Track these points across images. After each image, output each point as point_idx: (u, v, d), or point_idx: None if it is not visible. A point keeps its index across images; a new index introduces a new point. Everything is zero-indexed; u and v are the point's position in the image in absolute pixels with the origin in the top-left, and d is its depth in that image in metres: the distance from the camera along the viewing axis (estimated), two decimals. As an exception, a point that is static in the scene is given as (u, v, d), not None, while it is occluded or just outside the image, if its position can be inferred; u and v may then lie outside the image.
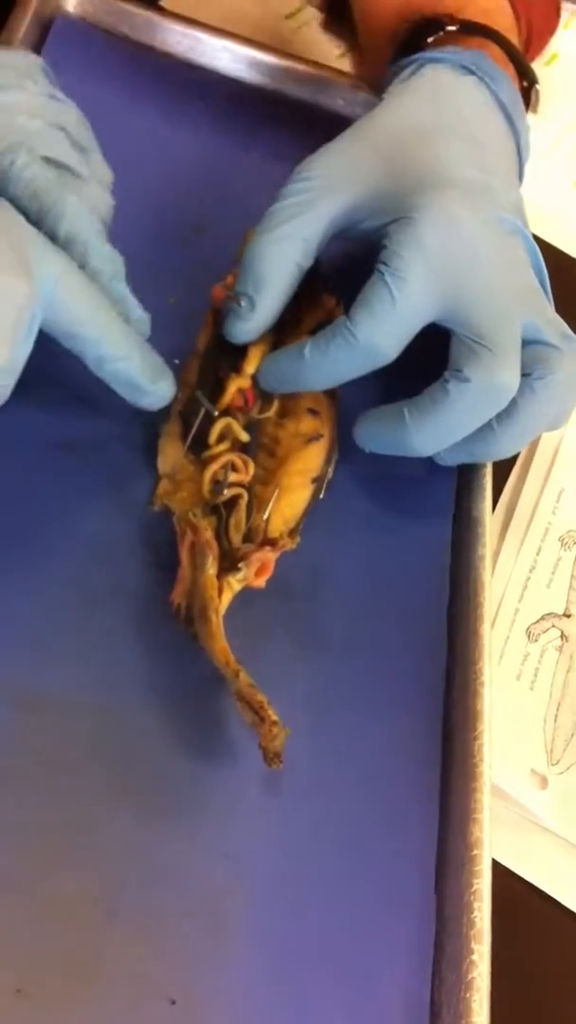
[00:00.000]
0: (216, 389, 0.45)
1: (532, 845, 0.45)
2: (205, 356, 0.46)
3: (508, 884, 0.42)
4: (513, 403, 0.45)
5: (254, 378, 0.45)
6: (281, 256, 0.44)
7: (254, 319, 0.45)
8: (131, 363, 0.42)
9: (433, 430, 0.45)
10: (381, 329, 0.43)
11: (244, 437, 0.44)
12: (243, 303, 0.44)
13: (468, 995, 0.35)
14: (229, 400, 0.45)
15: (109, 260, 0.42)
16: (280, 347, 0.46)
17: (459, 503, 0.50)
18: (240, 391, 0.45)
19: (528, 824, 0.45)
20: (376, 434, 0.46)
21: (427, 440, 0.45)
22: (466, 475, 0.50)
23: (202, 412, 0.44)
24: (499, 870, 0.43)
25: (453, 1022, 0.35)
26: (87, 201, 0.42)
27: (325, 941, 0.37)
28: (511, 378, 0.44)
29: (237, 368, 0.45)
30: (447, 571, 0.47)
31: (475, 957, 0.36)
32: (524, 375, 0.45)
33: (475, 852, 0.39)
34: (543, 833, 0.45)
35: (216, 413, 0.44)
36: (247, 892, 0.37)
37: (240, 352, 0.45)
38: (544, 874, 0.44)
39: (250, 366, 0.45)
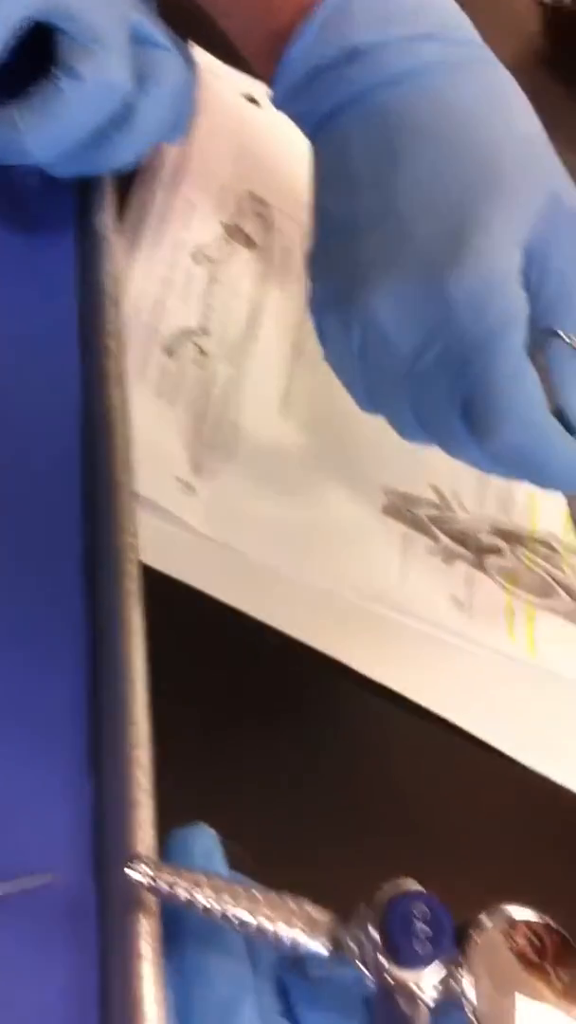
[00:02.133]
0: None
1: (186, 552, 0.46)
2: None
3: (163, 587, 0.43)
4: (129, 108, 0.43)
5: None
6: None
7: None
8: None
9: (47, 132, 0.42)
10: None
11: None
12: None
13: (125, 686, 0.36)
14: None
15: None
16: None
17: (82, 220, 0.48)
18: None
19: (181, 535, 0.46)
20: None
21: (42, 143, 0.43)
22: (86, 190, 0.48)
23: None
24: (157, 576, 0.43)
25: (113, 705, 0.36)
26: None
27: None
28: (123, 75, 0.42)
29: None
30: (74, 291, 0.46)
31: (128, 649, 0.37)
32: (139, 78, 0.43)
33: (125, 558, 0.39)
34: (196, 539, 0.46)
35: None
36: None
37: None
38: (196, 574, 0.45)
39: None
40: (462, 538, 0.52)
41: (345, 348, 0.42)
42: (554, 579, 0.53)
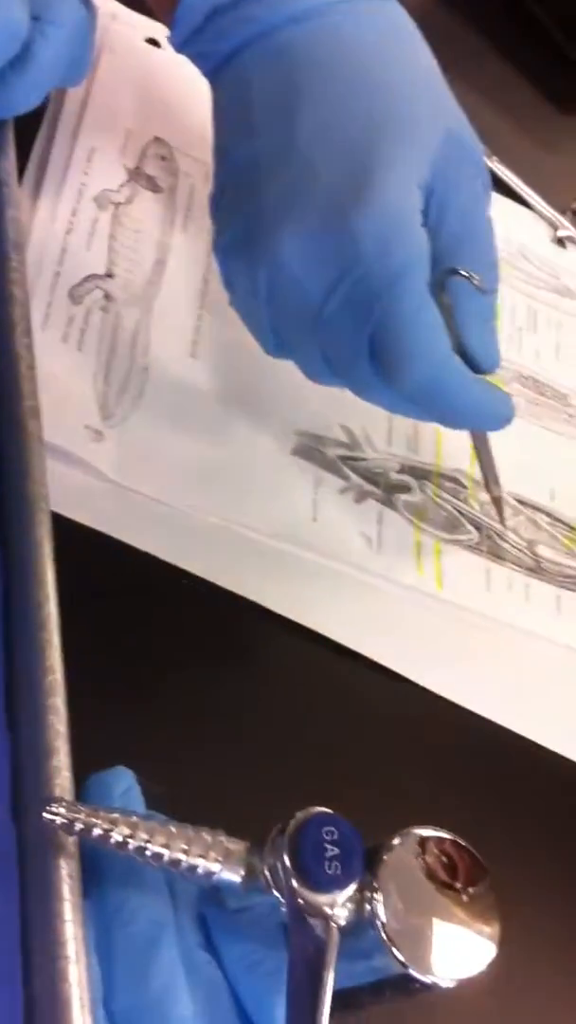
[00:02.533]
0: None
1: (93, 496, 0.46)
2: None
3: (74, 535, 0.43)
4: (26, 49, 0.42)
5: None
6: None
7: None
8: None
9: None
10: None
11: None
12: None
13: (40, 635, 0.36)
14: None
15: None
16: None
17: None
18: None
19: (89, 479, 0.46)
20: None
21: None
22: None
23: None
24: (69, 525, 0.43)
25: (29, 662, 0.36)
26: None
27: None
28: (19, 14, 0.41)
29: None
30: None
31: (41, 598, 0.37)
32: (34, 18, 0.42)
33: (36, 507, 0.39)
34: (103, 484, 0.46)
35: None
36: None
37: None
38: (108, 521, 0.45)
39: None
40: (372, 477, 0.53)
41: (252, 293, 0.42)
42: (460, 512, 0.54)
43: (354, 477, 0.52)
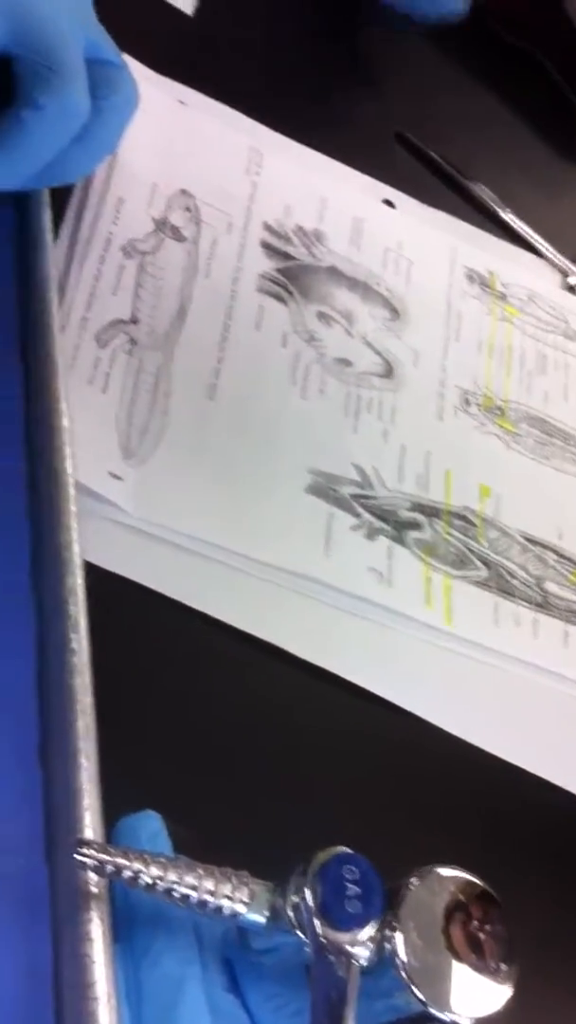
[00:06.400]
0: None
1: (121, 544, 0.45)
2: None
3: (108, 584, 0.42)
4: (85, 127, 0.41)
5: None
6: None
7: None
8: None
9: (12, 164, 0.41)
10: None
11: None
12: None
13: (73, 679, 0.36)
14: None
15: None
16: None
17: (20, 218, 0.46)
18: None
19: (117, 526, 0.45)
20: None
21: (8, 174, 0.41)
22: (21, 198, 0.46)
23: None
24: (100, 573, 0.42)
25: (60, 707, 0.35)
26: None
27: None
28: (83, 101, 0.41)
29: None
30: (12, 284, 0.44)
31: (73, 645, 0.36)
32: (92, 97, 0.41)
33: (66, 553, 0.38)
34: (129, 531, 0.45)
35: None
36: None
37: None
38: (133, 566, 0.44)
39: None
40: (383, 514, 0.52)
41: None
42: (469, 549, 0.53)
43: (365, 514, 0.52)
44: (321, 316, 0.56)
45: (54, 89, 0.40)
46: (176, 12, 0.60)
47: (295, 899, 0.33)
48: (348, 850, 0.34)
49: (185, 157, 0.56)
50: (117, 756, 0.35)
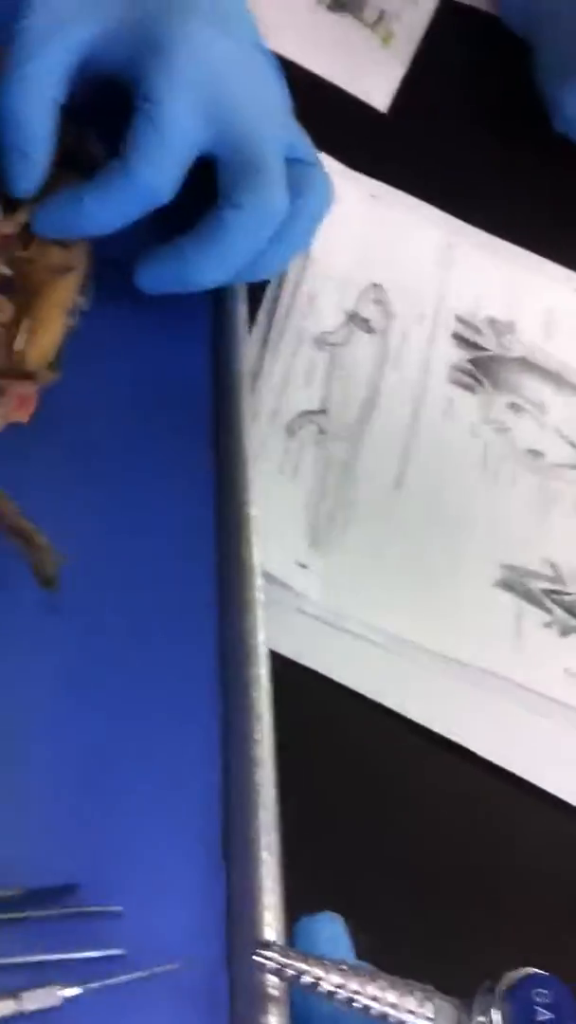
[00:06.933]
0: None
1: (305, 633, 0.44)
2: None
3: (291, 673, 0.42)
4: (283, 225, 0.42)
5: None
6: (40, 96, 0.39)
7: (33, 170, 0.40)
8: None
9: (214, 262, 0.42)
10: (156, 166, 0.39)
11: (7, 270, 0.40)
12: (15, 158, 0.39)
13: (256, 772, 0.35)
14: None
15: None
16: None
17: (217, 312, 0.47)
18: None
19: (302, 615, 0.45)
20: (158, 275, 0.43)
21: (209, 272, 0.42)
22: (218, 293, 0.47)
23: None
24: (283, 661, 0.42)
25: (243, 800, 0.35)
26: None
27: (118, 740, 0.36)
28: (282, 200, 0.41)
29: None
30: (208, 375, 0.45)
31: (256, 736, 0.36)
32: (291, 196, 0.42)
33: (251, 642, 0.38)
34: (314, 620, 0.45)
35: None
36: (37, 703, 0.36)
37: None
38: (321, 658, 0.44)
39: (21, 215, 0.41)
40: (576, 611, 0.50)
41: None
42: None
43: (559, 611, 0.50)
44: (512, 406, 0.55)
45: (255, 189, 0.41)
46: (370, 108, 0.61)
47: (481, 1019, 0.31)
48: (540, 972, 0.32)
49: (377, 250, 0.56)
50: (298, 852, 0.34)
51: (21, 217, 0.41)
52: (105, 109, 0.42)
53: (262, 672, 0.37)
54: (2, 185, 0.41)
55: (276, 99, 0.44)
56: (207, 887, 0.34)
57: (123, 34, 0.41)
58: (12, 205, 0.41)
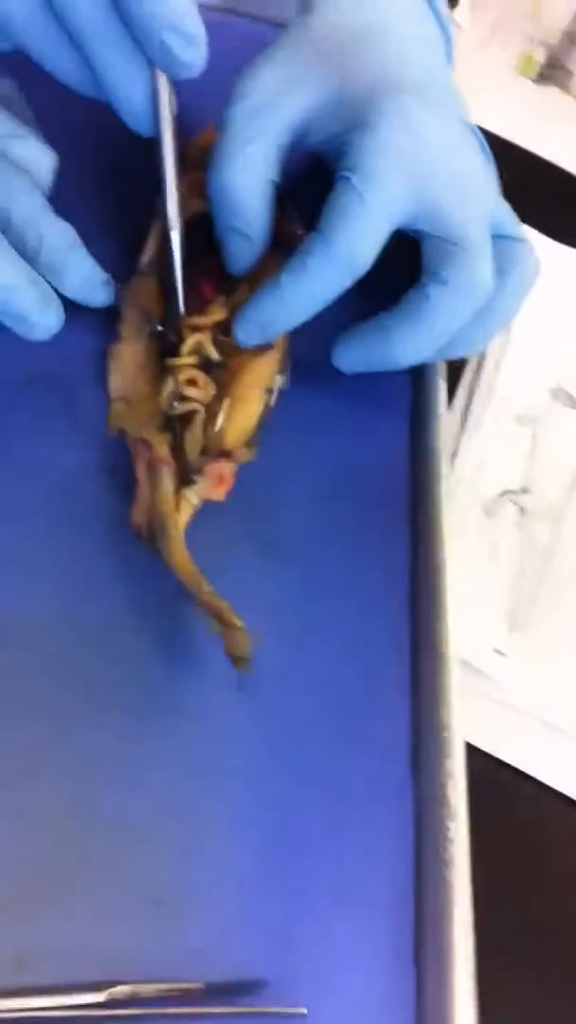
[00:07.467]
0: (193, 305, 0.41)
1: (502, 725, 0.43)
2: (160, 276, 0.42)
3: (485, 766, 0.40)
4: (487, 303, 0.41)
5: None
6: (258, 178, 0.40)
7: (252, 249, 0.41)
8: (18, 293, 0.37)
9: (418, 339, 0.41)
10: (356, 235, 0.38)
11: (215, 355, 0.41)
12: (234, 240, 0.40)
13: (448, 873, 0.33)
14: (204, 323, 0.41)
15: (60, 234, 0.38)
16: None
17: (415, 395, 0.46)
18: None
19: (498, 705, 0.43)
20: (359, 355, 0.42)
21: (412, 350, 0.41)
22: (418, 369, 0.47)
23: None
24: (477, 753, 0.41)
25: (436, 902, 0.33)
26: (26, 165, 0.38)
27: (308, 833, 0.35)
28: (487, 275, 0.40)
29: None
30: (406, 466, 0.44)
31: (451, 835, 0.34)
32: (495, 272, 0.41)
33: (445, 734, 0.36)
34: (511, 712, 0.43)
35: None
36: (226, 791, 0.35)
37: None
38: (517, 752, 0.42)
39: (237, 297, 0.41)
40: None
41: None
42: None
43: None
44: None
45: (460, 266, 0.40)
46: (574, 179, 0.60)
47: None
48: None
49: (581, 323, 0.55)
50: (492, 962, 0.32)
51: (235, 301, 0.41)
52: (300, 187, 0.43)
53: (457, 766, 0.35)
54: (211, 270, 0.41)
55: (482, 174, 0.43)
56: (395, 993, 0.32)
57: (332, 110, 0.41)
58: (223, 288, 0.42)
